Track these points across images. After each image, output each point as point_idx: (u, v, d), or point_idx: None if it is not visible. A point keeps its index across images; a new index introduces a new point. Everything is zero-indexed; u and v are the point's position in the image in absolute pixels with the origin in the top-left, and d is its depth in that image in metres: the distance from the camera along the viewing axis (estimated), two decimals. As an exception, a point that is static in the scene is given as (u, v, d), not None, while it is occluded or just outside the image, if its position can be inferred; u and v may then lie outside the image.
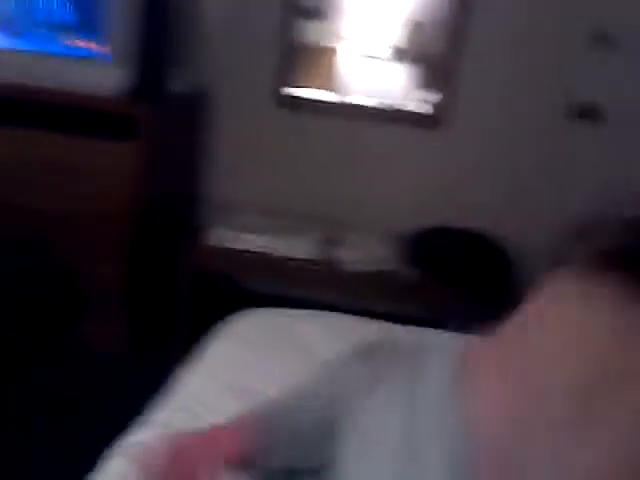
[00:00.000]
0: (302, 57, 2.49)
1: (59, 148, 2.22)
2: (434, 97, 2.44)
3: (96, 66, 2.17)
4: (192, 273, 2.27)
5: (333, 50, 2.47)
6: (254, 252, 2.24)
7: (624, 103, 2.33)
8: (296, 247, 2.24)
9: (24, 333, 2.28)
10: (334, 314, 1.56)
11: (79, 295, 2.30)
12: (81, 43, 2.18)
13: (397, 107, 2.48)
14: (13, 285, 2.30)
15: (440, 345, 0.68)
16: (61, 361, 2.24)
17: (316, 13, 2.45)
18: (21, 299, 2.30)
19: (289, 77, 2.50)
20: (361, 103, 2.50)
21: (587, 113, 2.36)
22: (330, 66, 2.50)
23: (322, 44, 2.48)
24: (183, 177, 2.59)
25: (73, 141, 2.19)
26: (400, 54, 2.42)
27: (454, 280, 2.15)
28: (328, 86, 2.51)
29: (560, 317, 0.48)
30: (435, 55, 2.40)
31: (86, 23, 2.17)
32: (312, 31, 2.46)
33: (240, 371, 1.33)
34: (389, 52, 2.43)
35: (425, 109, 2.47)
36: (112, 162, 2.19)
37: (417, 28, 2.40)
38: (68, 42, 2.19)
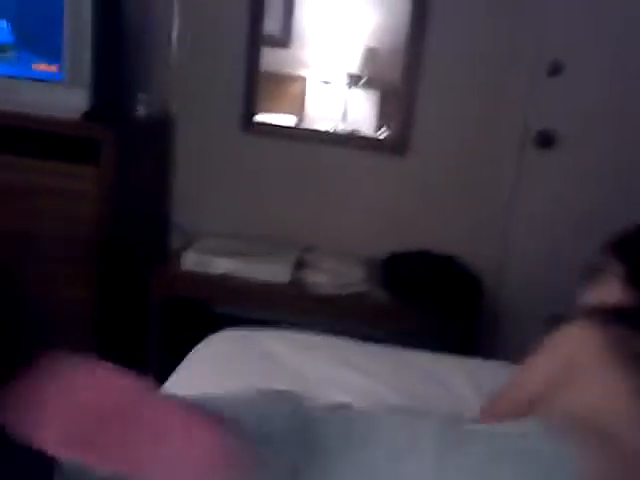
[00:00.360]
0: (267, 83, 2.58)
1: (20, 171, 2.25)
2: (395, 123, 2.55)
3: (54, 88, 2.21)
4: (163, 297, 2.31)
5: (296, 77, 2.57)
6: (225, 276, 2.29)
7: (578, 129, 2.46)
8: (266, 270, 2.30)
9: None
10: (312, 334, 1.63)
11: (44, 320, 2.30)
12: (38, 65, 2.22)
13: (359, 133, 2.59)
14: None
15: None
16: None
17: (279, 41, 2.56)
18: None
19: (254, 103, 2.59)
20: (325, 129, 2.60)
21: (543, 140, 2.49)
22: (294, 92, 2.60)
23: (285, 71, 2.59)
24: (150, 201, 2.65)
25: (35, 164, 2.23)
26: (359, 81, 2.54)
27: (424, 303, 2.23)
28: (292, 112, 2.61)
29: None
30: (392, 82, 2.52)
31: (42, 44, 2.20)
32: (276, 58, 2.57)
33: (217, 391, 1.37)
34: (349, 79, 2.54)
35: (385, 135, 2.57)
36: (75, 185, 2.24)
37: (375, 55, 2.52)
38: (25, 64, 2.22)
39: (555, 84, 2.43)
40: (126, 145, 2.33)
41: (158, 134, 2.61)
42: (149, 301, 2.32)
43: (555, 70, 2.42)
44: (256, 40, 2.54)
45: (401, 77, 2.50)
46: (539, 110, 2.48)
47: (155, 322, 2.31)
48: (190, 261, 2.31)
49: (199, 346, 1.59)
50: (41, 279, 2.30)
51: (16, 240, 2.27)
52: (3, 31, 2.21)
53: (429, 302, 2.22)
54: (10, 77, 2.24)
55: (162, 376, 1.53)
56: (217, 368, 1.47)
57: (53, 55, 2.19)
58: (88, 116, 2.20)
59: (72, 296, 2.28)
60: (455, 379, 1.47)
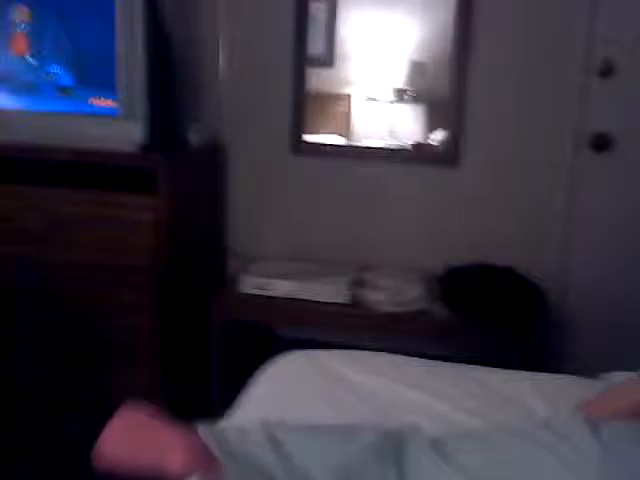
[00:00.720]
0: (314, 104, 2.65)
1: (81, 203, 2.37)
2: (444, 135, 2.57)
3: (111, 122, 2.32)
4: (223, 322, 2.38)
5: (342, 95, 2.63)
6: (283, 298, 2.34)
7: (635, 130, 2.45)
8: (324, 291, 2.35)
9: (54, 388, 2.36)
10: (377, 353, 1.66)
11: (108, 347, 2.39)
12: (95, 101, 2.33)
13: (409, 147, 2.62)
14: (38, 339, 2.40)
15: None
16: (93, 416, 2.31)
17: (324, 61, 2.62)
18: (48, 353, 2.40)
19: (303, 124, 2.66)
20: (375, 145, 2.65)
21: (598, 143, 2.47)
22: (340, 111, 2.65)
23: (331, 90, 2.65)
24: (207, 227, 2.73)
25: (95, 196, 2.35)
26: (406, 95, 2.57)
27: (485, 317, 2.24)
28: (340, 131, 2.67)
29: None
30: (440, 94, 2.55)
31: (98, 81, 2.33)
32: (321, 78, 2.63)
33: (287, 412, 1.41)
34: (395, 94, 2.58)
35: (437, 147, 2.60)
36: (133, 215, 2.34)
37: (421, 69, 2.55)
38: (82, 101, 2.34)
39: (608, 85, 2.42)
40: (181, 174, 2.43)
41: (211, 161, 2.70)
42: (210, 326, 2.39)
43: (607, 71, 2.41)
44: (301, 62, 2.61)
45: (448, 88, 2.53)
46: (592, 113, 2.46)
47: (216, 346, 2.38)
48: (248, 285, 2.38)
49: (264, 369, 1.64)
50: (103, 308, 2.40)
51: (78, 271, 2.38)
52: (60, 75, 2.33)
53: (490, 316, 2.23)
54: (68, 113, 2.36)
55: (227, 398, 1.58)
56: (285, 390, 1.52)
57: (108, 91, 2.30)
58: (144, 147, 2.30)
59: (135, 324, 2.37)
60: (527, 396, 1.48)
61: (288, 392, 1.50)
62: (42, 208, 2.38)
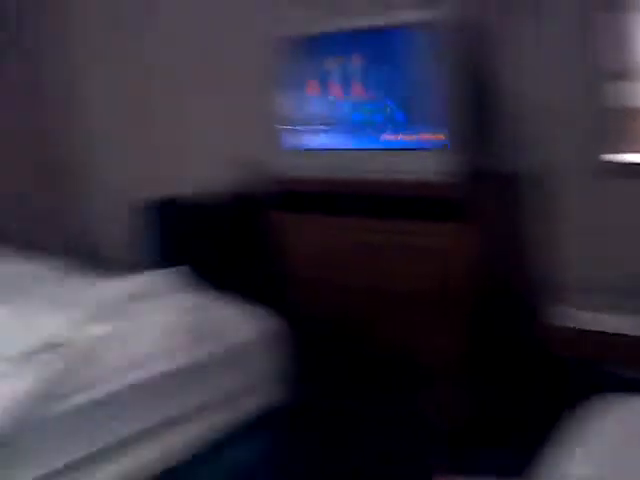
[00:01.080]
0: (617, 121, 2.46)
1: (398, 233, 2.52)
2: None
3: (430, 155, 2.43)
4: (539, 354, 2.31)
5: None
6: (608, 333, 2.20)
7: None
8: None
9: (361, 402, 2.52)
10: None
11: (418, 369, 2.48)
12: (411, 136, 2.48)
13: None
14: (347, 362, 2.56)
15: None
16: (397, 432, 2.42)
17: (625, 74, 2.42)
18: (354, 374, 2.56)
19: (607, 144, 2.49)
20: None
21: None
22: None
23: (636, 105, 2.43)
24: (521, 257, 2.70)
25: (408, 225, 2.49)
26: None
27: None
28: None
29: None
30: None
31: (418, 117, 2.46)
32: (623, 93, 2.43)
33: (617, 468, 1.30)
34: None
35: None
36: (447, 244, 2.41)
37: None
38: (399, 136, 2.51)
39: None
40: (494, 202, 2.47)
41: (520, 189, 2.65)
42: (525, 357, 2.34)
43: None
44: (601, 78, 2.44)
45: None
46: None
47: (532, 379, 2.32)
48: (569, 317, 2.29)
49: (589, 411, 1.53)
50: (412, 332, 2.50)
51: (391, 297, 2.53)
52: (394, 110, 2.52)
53: None
54: (393, 149, 2.55)
55: (540, 432, 1.53)
56: (613, 441, 1.40)
57: (432, 125, 2.42)
58: (463, 177, 2.37)
59: (444, 348, 2.42)
60: None
61: (616, 443, 1.38)
62: (354, 238, 2.60)
